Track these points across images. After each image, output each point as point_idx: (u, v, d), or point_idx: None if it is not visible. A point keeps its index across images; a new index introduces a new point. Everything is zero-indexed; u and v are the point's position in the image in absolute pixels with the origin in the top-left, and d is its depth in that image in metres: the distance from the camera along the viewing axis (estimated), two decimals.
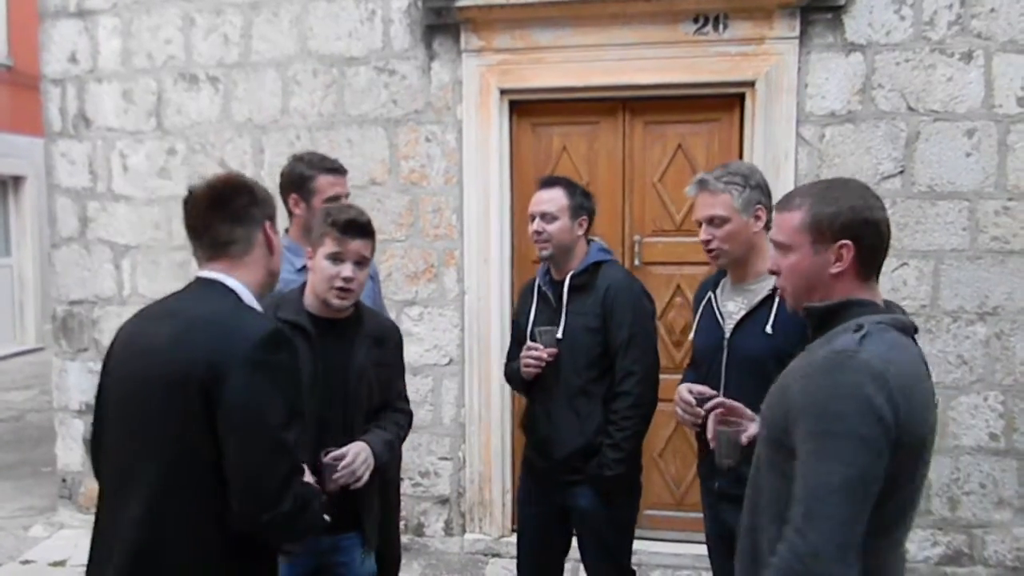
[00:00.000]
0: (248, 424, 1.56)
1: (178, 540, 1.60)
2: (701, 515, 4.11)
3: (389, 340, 2.44)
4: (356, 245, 2.24)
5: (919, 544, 3.91)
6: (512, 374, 2.92)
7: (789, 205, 1.65)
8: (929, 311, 3.82)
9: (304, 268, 2.80)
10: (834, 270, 1.57)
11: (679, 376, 4.01)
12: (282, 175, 2.90)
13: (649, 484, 4.24)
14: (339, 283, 2.21)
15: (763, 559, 1.52)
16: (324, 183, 2.79)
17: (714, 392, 2.29)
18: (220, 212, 1.73)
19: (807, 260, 1.59)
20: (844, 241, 1.55)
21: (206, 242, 1.74)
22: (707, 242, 2.38)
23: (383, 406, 2.38)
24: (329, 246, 2.23)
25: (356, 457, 2.16)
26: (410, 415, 2.51)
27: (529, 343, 2.73)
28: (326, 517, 1.81)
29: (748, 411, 2.08)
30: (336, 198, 2.78)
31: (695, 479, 4.18)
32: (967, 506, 3.88)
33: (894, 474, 1.41)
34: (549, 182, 2.81)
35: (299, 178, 2.81)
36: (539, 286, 2.84)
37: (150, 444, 1.62)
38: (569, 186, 2.78)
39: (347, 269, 2.21)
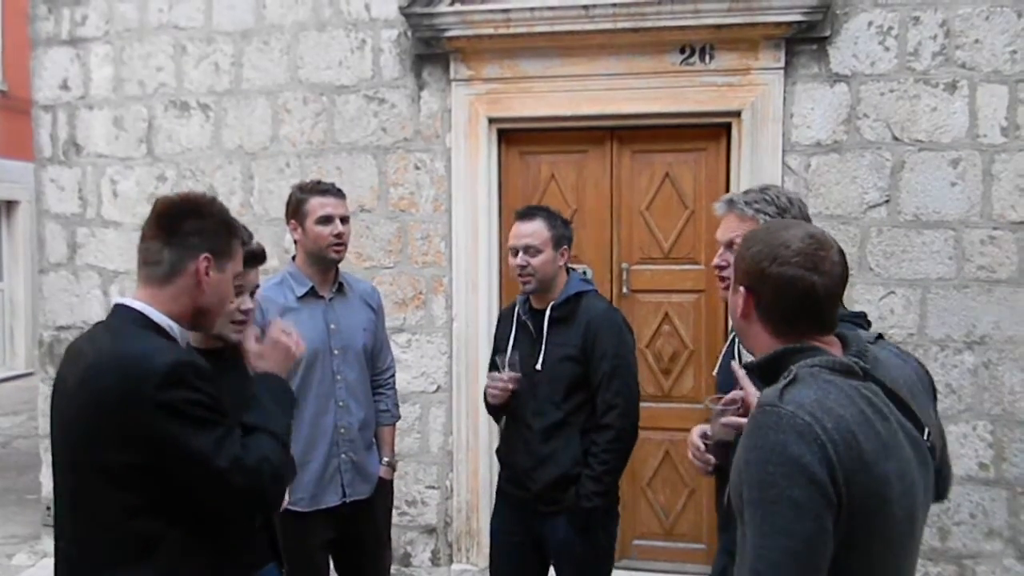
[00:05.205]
0: (174, 460, 1.53)
1: None
2: (690, 545, 4.14)
3: None
4: (253, 276, 2.18)
5: None
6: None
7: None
8: (917, 340, 3.82)
9: (305, 296, 2.80)
10: (738, 314, 1.45)
11: (666, 404, 4.10)
12: (285, 206, 2.92)
13: (638, 514, 4.22)
14: (238, 316, 2.10)
15: None
16: (315, 204, 2.80)
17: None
18: (158, 228, 1.65)
19: (732, 298, 1.50)
20: (740, 288, 1.44)
21: (139, 256, 1.66)
22: (721, 268, 2.11)
23: None
24: None
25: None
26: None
27: (492, 374, 2.72)
28: None
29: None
30: (328, 218, 2.79)
31: (684, 508, 4.17)
32: (957, 536, 3.85)
33: (848, 536, 1.24)
34: (528, 214, 2.77)
35: (295, 203, 2.85)
36: (519, 314, 2.82)
37: (64, 492, 1.62)
38: (549, 216, 2.74)
39: (247, 301, 2.13)
